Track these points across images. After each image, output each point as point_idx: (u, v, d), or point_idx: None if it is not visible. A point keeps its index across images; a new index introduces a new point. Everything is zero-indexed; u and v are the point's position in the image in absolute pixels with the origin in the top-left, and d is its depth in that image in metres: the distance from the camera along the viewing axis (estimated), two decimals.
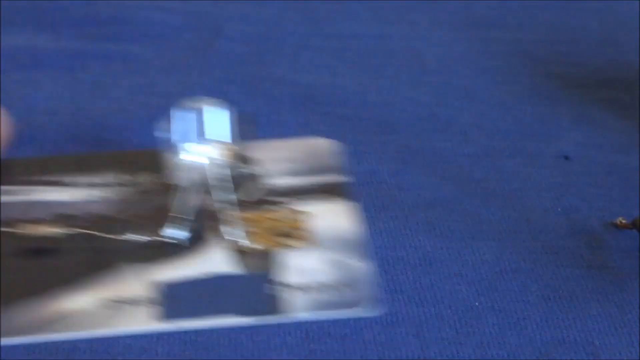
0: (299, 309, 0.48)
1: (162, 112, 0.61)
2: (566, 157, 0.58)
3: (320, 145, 0.58)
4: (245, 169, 0.55)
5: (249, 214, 0.53)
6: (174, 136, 0.50)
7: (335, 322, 0.48)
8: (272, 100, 0.63)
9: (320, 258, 0.50)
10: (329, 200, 0.54)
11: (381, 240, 0.52)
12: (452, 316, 0.48)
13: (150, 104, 0.62)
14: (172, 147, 0.51)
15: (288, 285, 0.49)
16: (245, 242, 0.51)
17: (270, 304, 0.48)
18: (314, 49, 0.68)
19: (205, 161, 0.50)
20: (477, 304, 0.49)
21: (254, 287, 0.49)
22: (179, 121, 0.50)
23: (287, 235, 0.51)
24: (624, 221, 0.50)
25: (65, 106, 0.61)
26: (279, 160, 0.57)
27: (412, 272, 0.50)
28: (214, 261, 0.50)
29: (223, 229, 0.51)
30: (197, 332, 0.47)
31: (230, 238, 0.51)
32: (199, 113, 0.51)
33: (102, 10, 0.70)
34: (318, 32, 0.69)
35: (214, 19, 0.71)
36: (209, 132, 0.51)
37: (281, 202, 0.54)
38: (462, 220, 0.53)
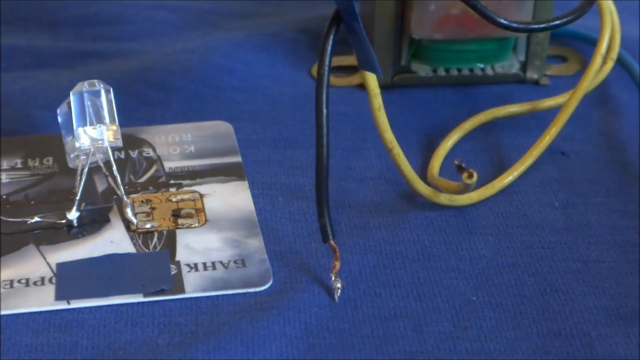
0: (197, 287, 0.49)
1: (162, 112, 0.61)
2: (562, 153, 0.58)
3: (215, 128, 0.60)
4: (144, 152, 0.57)
5: (148, 196, 0.54)
6: (74, 119, 0.52)
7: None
8: (270, 99, 0.63)
9: (217, 237, 0.52)
10: (225, 181, 0.55)
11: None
12: (449, 310, 0.48)
13: (151, 104, 0.62)
14: (72, 131, 0.52)
15: (186, 264, 0.50)
16: (144, 223, 0.52)
17: (167, 283, 0.49)
18: None
19: (104, 144, 0.52)
20: (474, 298, 0.49)
21: (152, 266, 0.50)
22: (76, 105, 0.52)
23: (186, 215, 0.53)
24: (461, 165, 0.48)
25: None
26: (175, 143, 0.58)
27: (410, 266, 0.50)
28: (114, 242, 0.51)
29: (124, 210, 0.52)
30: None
31: (130, 219, 0.52)
32: (95, 95, 0.52)
33: (102, 10, 0.70)
34: None
35: (215, 17, 0.71)
36: (104, 114, 0.52)
37: (179, 184, 0.55)
38: (460, 215, 0.54)
